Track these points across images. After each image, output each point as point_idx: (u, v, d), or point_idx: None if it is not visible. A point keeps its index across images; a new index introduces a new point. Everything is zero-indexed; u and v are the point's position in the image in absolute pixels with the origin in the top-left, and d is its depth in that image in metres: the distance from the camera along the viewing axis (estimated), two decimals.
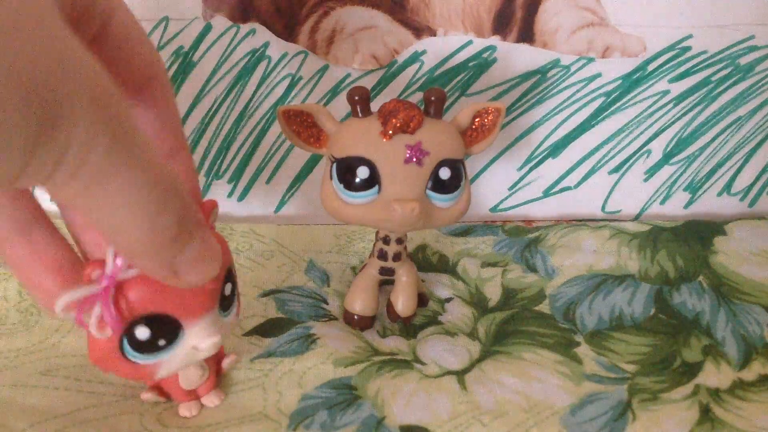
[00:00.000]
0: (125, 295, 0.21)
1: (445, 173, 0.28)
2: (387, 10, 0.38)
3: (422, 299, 0.34)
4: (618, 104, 0.42)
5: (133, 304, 0.21)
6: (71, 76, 0.15)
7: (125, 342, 0.22)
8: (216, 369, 0.28)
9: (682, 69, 0.41)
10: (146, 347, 0.22)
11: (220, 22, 0.38)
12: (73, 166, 0.15)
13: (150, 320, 0.22)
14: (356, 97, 0.29)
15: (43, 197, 0.22)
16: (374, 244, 0.32)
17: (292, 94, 0.40)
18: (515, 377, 0.30)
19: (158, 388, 0.27)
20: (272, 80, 0.39)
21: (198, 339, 0.23)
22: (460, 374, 0.30)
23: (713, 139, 0.43)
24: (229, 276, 0.25)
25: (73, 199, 0.16)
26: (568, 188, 0.44)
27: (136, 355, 0.22)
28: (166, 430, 0.26)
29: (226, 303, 0.25)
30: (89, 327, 0.21)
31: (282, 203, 0.43)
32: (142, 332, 0.22)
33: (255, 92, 0.40)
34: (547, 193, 0.44)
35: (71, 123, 0.15)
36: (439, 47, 0.39)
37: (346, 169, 0.28)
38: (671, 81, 0.41)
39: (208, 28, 0.38)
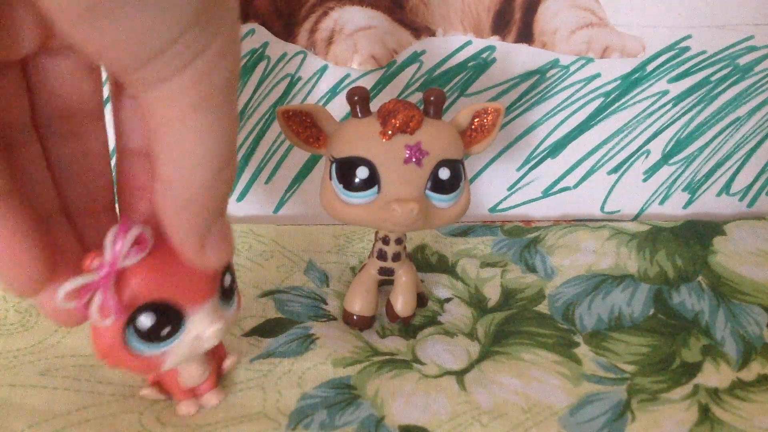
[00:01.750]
0: (127, 282, 0.21)
1: (444, 173, 0.28)
2: (386, 11, 0.38)
3: (421, 299, 0.34)
4: (617, 104, 0.42)
5: (135, 292, 0.21)
6: None
7: (129, 332, 0.22)
8: (217, 369, 0.28)
9: (681, 69, 0.41)
10: (150, 336, 0.22)
11: None
12: (202, 69, 0.15)
13: (152, 309, 0.22)
14: (356, 97, 0.29)
15: None
16: (373, 245, 0.32)
17: (292, 94, 0.40)
18: (514, 377, 0.30)
19: (158, 385, 0.27)
20: (271, 80, 0.39)
21: (200, 327, 0.23)
22: (460, 374, 0.30)
23: (712, 139, 0.43)
24: (228, 267, 0.25)
25: (178, 114, 0.16)
26: (567, 188, 0.44)
27: (141, 346, 0.22)
28: (165, 429, 0.26)
29: (226, 295, 0.25)
30: (91, 315, 0.21)
31: (281, 203, 0.43)
32: (146, 320, 0.22)
33: (254, 92, 0.40)
34: (546, 193, 0.44)
35: (221, 17, 0.15)
36: (439, 47, 0.39)
37: (345, 169, 0.28)
38: (670, 81, 0.41)
39: None
